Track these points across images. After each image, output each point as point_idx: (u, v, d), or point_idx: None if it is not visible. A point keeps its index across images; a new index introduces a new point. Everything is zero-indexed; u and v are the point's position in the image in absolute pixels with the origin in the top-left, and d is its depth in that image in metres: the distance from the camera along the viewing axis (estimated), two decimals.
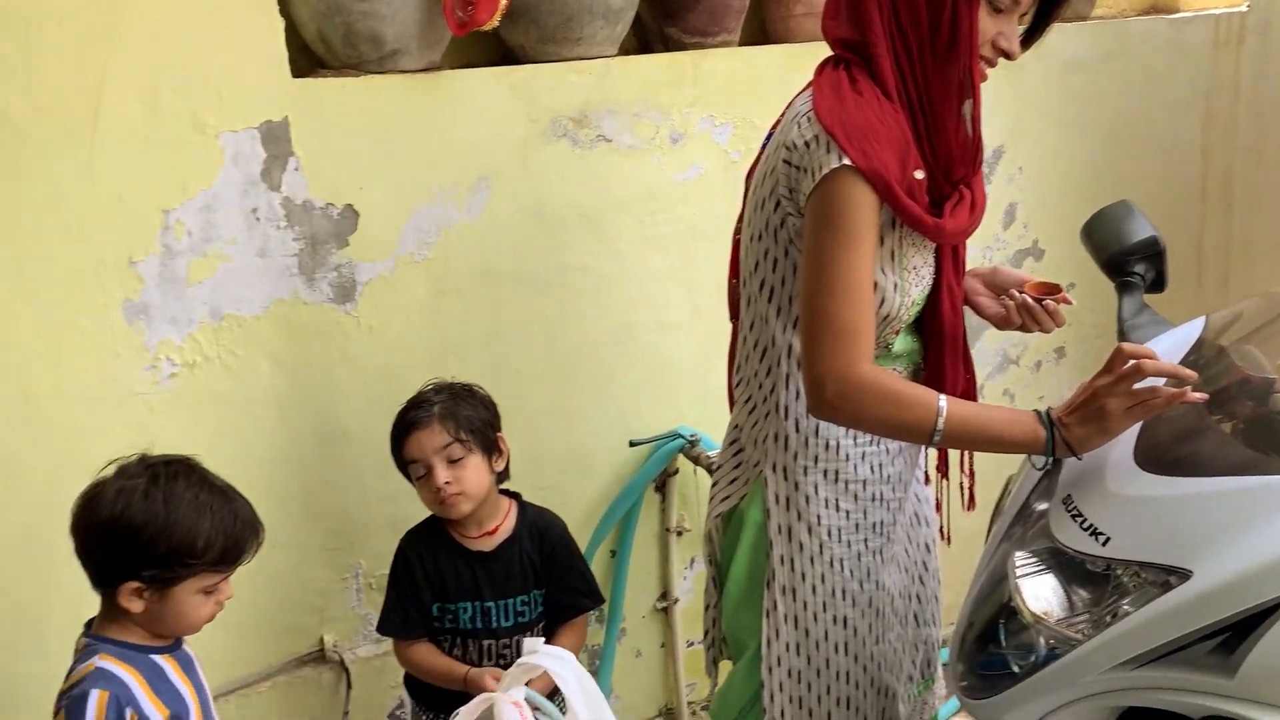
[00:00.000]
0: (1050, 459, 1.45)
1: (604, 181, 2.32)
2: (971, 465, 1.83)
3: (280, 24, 1.99)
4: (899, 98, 1.46)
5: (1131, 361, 1.36)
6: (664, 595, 2.58)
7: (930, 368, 1.64)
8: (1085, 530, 1.37)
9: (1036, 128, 2.83)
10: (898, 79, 1.46)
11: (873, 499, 1.65)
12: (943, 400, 1.45)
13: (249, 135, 1.97)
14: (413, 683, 1.99)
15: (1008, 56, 1.52)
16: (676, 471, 2.49)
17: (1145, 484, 1.36)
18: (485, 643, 1.92)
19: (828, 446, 1.62)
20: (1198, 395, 1.36)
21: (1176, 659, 1.28)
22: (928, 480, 1.84)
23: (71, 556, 1.84)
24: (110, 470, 1.47)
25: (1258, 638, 1.23)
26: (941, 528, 1.84)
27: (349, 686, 2.20)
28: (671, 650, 2.60)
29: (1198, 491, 1.32)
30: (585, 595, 1.99)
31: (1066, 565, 1.42)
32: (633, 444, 2.39)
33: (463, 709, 1.00)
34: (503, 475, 1.95)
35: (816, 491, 1.62)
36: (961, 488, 1.83)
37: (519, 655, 1.84)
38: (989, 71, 1.54)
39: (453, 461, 1.84)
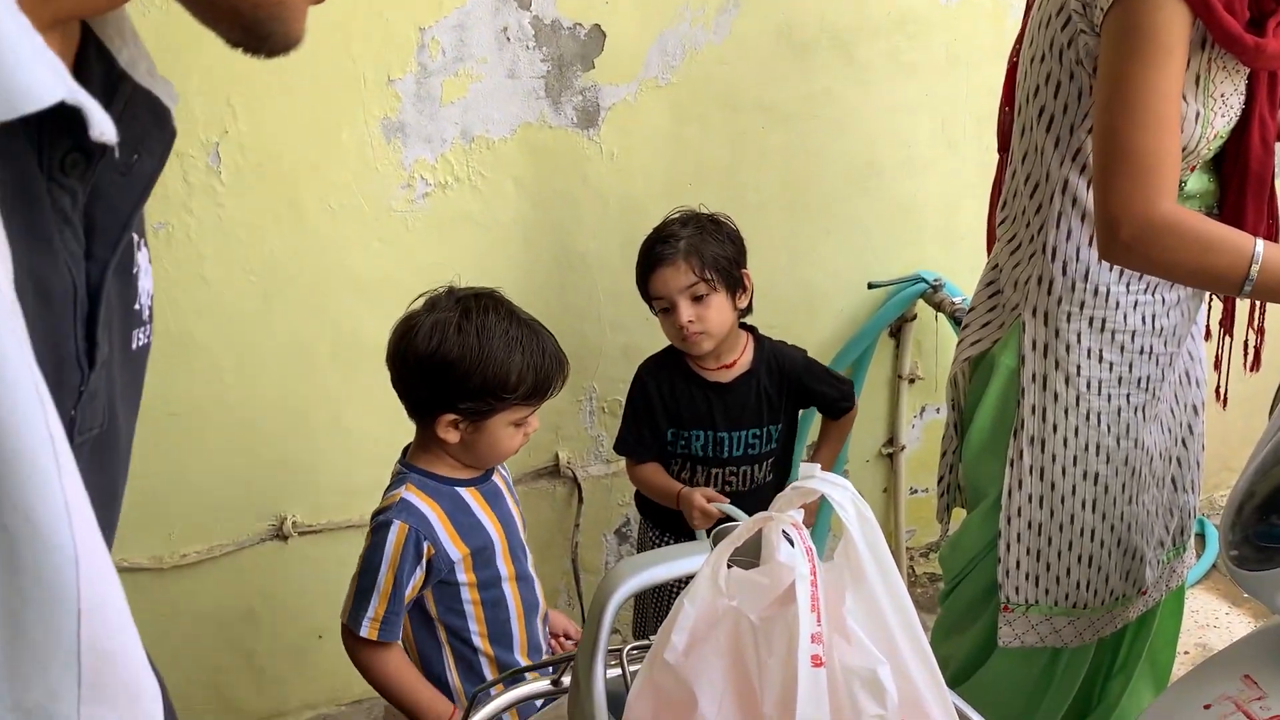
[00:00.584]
0: None
1: (859, 1, 2.17)
2: (1262, 321, 1.66)
3: None
4: None
5: None
6: (890, 441, 2.54)
7: (1227, 212, 1.47)
8: None
9: None
10: None
11: (1140, 352, 1.54)
12: (1259, 245, 1.28)
13: None
14: (643, 502, 2.04)
15: None
16: (914, 317, 2.41)
17: None
18: (714, 470, 1.95)
19: (1096, 292, 1.50)
20: None
21: None
22: (1208, 335, 1.68)
23: (331, 359, 2.05)
24: (419, 304, 1.49)
25: None
26: (1218, 388, 1.69)
27: (580, 501, 2.28)
28: (894, 496, 2.57)
29: None
30: (843, 398, 1.99)
31: None
32: (871, 286, 2.31)
33: (734, 529, 0.94)
34: (745, 311, 1.92)
35: (1079, 340, 1.52)
36: (1246, 345, 1.67)
37: (745, 484, 1.95)
38: None
39: (697, 299, 1.82)
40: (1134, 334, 1.53)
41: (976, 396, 1.64)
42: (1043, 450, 1.58)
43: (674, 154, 2.15)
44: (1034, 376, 1.55)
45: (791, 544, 0.89)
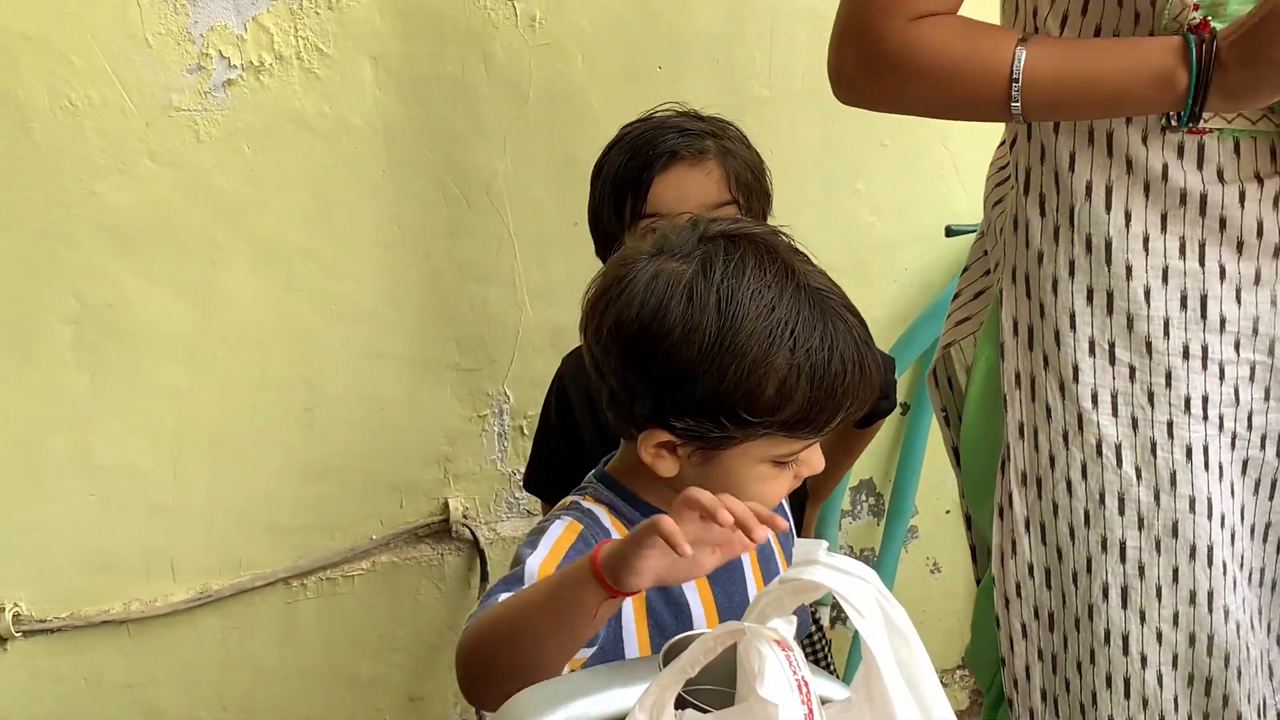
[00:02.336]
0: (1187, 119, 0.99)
1: None
2: None
3: None
4: None
5: None
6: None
7: None
8: None
9: None
10: None
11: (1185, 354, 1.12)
12: (1021, 54, 1.00)
13: None
14: None
15: None
16: None
17: None
18: None
19: (1089, 245, 1.06)
20: None
21: None
22: None
23: (73, 349, 1.49)
24: (647, 241, 1.03)
25: None
26: None
27: (484, 576, 1.64)
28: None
29: None
30: (879, 398, 1.41)
31: None
32: (950, 233, 1.65)
33: (688, 642, 0.70)
34: None
35: (1072, 324, 1.09)
36: None
37: None
38: None
39: None
40: (1167, 323, 1.07)
41: (960, 405, 1.26)
42: (1039, 495, 1.15)
43: (638, 20, 1.52)
44: (1017, 378, 1.14)
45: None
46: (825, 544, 0.70)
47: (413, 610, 1.61)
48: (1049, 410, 1.12)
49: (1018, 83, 0.99)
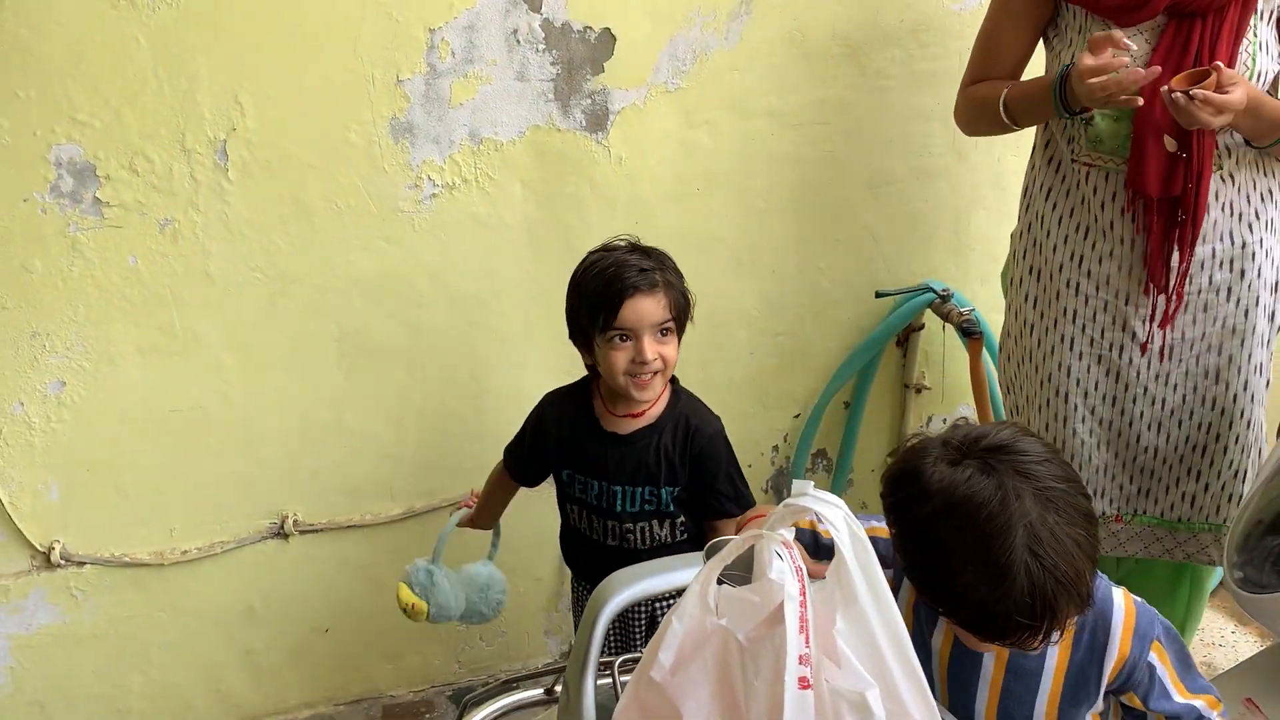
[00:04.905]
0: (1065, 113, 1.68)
1: (872, 9, 2.16)
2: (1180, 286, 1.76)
3: None
4: None
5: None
6: (894, 451, 2.52)
7: (1131, 159, 1.68)
8: None
9: None
10: None
11: (1067, 285, 1.82)
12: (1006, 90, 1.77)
13: None
14: (571, 556, 1.91)
15: None
16: (922, 327, 2.39)
17: None
18: (609, 522, 1.78)
19: (1028, 209, 1.88)
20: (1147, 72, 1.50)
21: None
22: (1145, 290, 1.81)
23: (335, 358, 2.05)
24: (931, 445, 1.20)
25: None
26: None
27: None
28: None
29: None
30: (731, 500, 1.76)
31: None
32: (879, 295, 2.30)
33: (726, 544, 0.90)
34: None
35: (1025, 261, 1.91)
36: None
37: (645, 542, 1.78)
38: None
39: (663, 334, 1.68)
40: (1061, 267, 1.81)
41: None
42: (1015, 340, 1.94)
43: (682, 159, 2.15)
44: (1012, 279, 1.94)
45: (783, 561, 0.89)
46: (813, 483, 0.88)
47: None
48: (1014, 304, 1.91)
49: (1004, 100, 1.77)
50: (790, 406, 2.41)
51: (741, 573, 0.94)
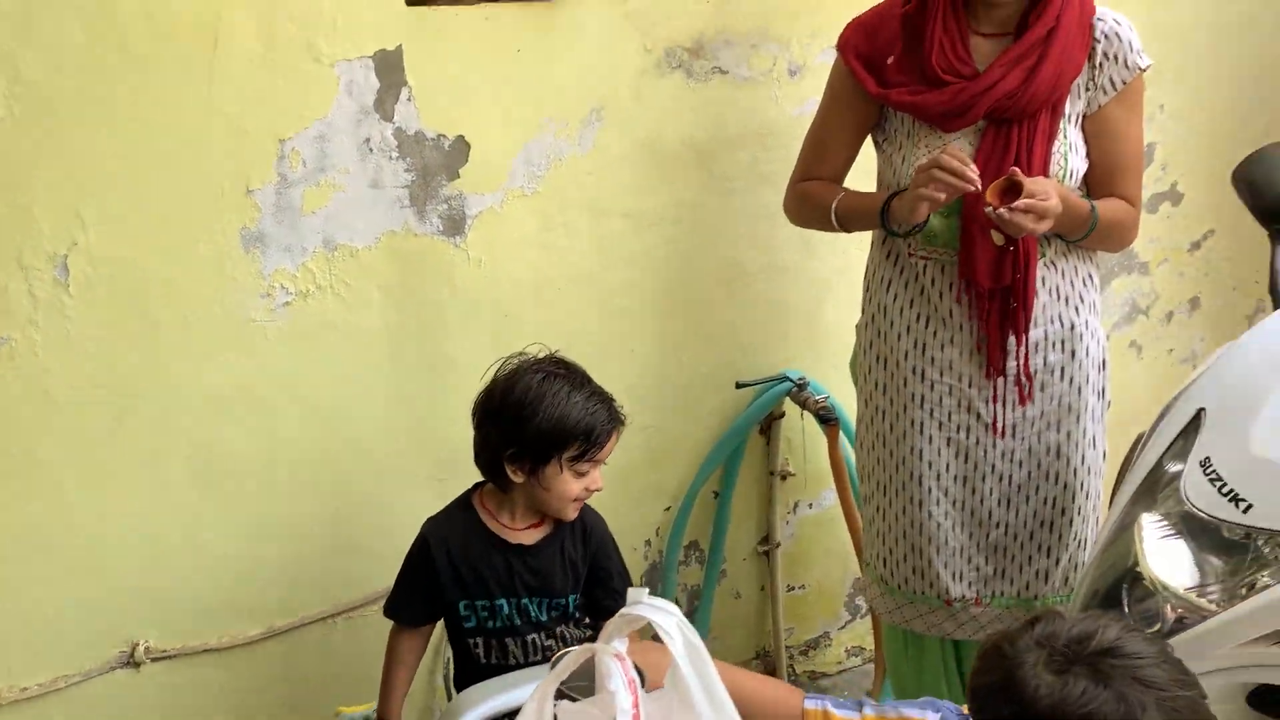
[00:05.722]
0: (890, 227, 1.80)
1: (718, 115, 2.26)
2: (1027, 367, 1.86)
3: None
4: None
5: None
6: (765, 539, 2.56)
7: (961, 253, 1.78)
8: (1224, 495, 1.29)
9: (1182, 62, 2.64)
10: None
11: (913, 372, 1.91)
12: (837, 199, 1.88)
13: (363, 64, 1.96)
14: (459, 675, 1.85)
15: None
16: (783, 415, 2.45)
17: None
18: (529, 637, 1.76)
19: (874, 316, 1.98)
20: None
21: None
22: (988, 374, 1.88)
23: (187, 475, 1.97)
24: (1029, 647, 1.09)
25: None
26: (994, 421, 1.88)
27: None
28: (771, 593, 2.58)
29: None
30: (624, 596, 1.78)
31: (1200, 532, 1.34)
32: (739, 385, 2.35)
33: (565, 656, 0.93)
34: None
35: (870, 352, 1.99)
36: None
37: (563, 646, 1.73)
38: None
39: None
40: (906, 354, 1.89)
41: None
42: (867, 426, 2.01)
43: (542, 259, 2.18)
44: (861, 369, 2.03)
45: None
46: (646, 590, 0.93)
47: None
48: (865, 393, 1.96)
49: (835, 208, 1.86)
50: (660, 499, 2.43)
51: (588, 683, 0.95)
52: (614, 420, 1.72)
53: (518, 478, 1.71)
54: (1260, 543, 1.28)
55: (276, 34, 1.89)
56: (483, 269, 2.13)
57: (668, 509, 2.44)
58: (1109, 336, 2.79)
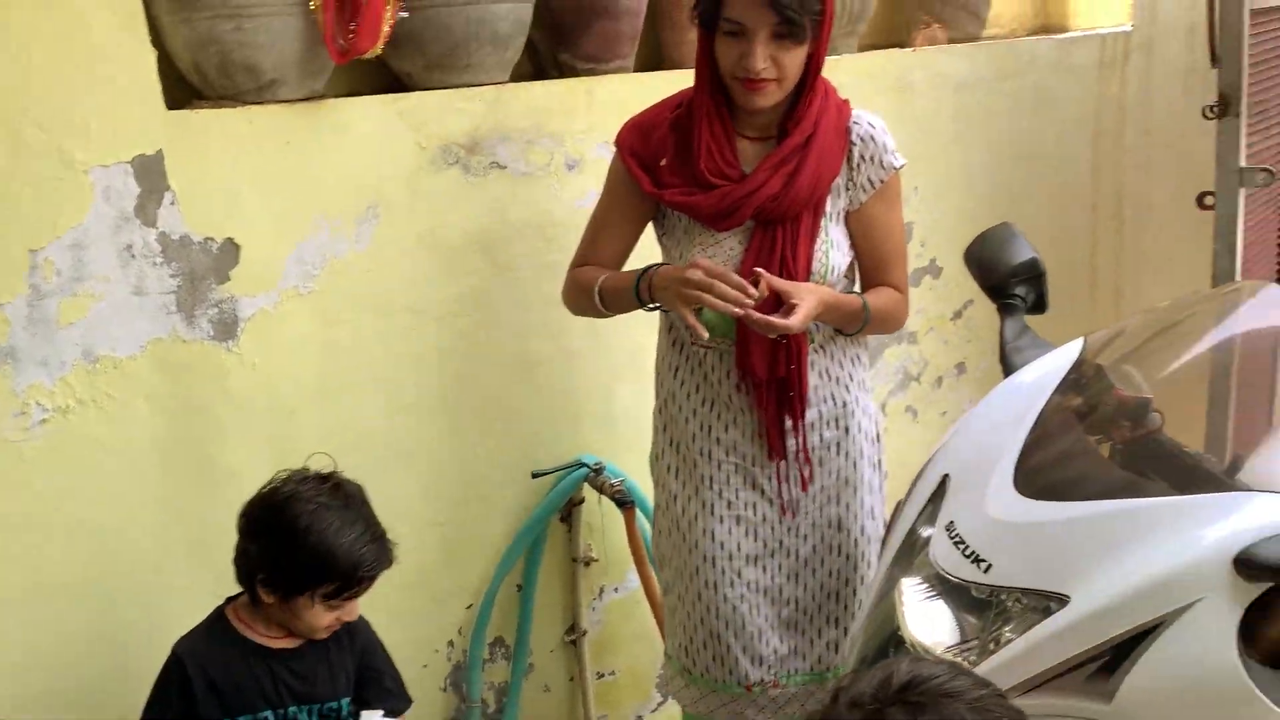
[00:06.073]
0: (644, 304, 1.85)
1: (499, 209, 2.29)
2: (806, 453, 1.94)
3: (152, 55, 1.92)
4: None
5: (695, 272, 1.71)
6: (572, 628, 2.54)
7: (739, 342, 1.85)
8: (968, 557, 1.37)
9: (931, 148, 2.87)
10: None
11: (701, 454, 1.97)
12: (600, 280, 1.90)
13: (121, 170, 1.90)
14: None
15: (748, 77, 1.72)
16: (582, 501, 2.46)
17: (1024, 509, 1.37)
18: None
19: (663, 384, 2.04)
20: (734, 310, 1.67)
21: (1058, 685, 1.29)
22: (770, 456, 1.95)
23: None
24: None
25: (1133, 662, 1.24)
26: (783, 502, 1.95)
27: None
28: (580, 683, 2.56)
29: (1074, 516, 1.33)
30: (399, 698, 1.79)
31: (952, 592, 1.42)
32: (535, 475, 2.35)
33: None
34: None
35: (664, 436, 2.06)
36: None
37: None
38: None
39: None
40: (694, 436, 1.95)
41: None
42: (657, 509, 2.06)
43: (323, 360, 2.14)
44: (655, 455, 2.06)
45: None
46: (380, 712, 0.97)
47: None
48: (659, 478, 2.00)
49: (598, 290, 1.88)
50: (461, 597, 2.39)
51: None
52: (380, 563, 1.66)
53: (268, 599, 1.67)
54: (1003, 599, 1.36)
55: (23, 142, 1.81)
56: (258, 373, 2.07)
57: (469, 607, 2.39)
58: (885, 405, 2.97)
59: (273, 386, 2.08)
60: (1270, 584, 1.23)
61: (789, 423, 1.89)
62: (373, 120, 2.13)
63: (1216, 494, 1.29)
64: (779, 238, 1.80)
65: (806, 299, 1.71)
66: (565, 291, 2.03)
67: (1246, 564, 1.21)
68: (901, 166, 1.89)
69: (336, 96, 2.15)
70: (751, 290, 1.65)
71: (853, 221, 1.87)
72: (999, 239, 1.79)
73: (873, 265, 1.91)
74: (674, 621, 2.04)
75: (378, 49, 2.03)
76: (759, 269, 1.72)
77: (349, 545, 1.60)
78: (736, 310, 1.66)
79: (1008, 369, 1.64)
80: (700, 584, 1.94)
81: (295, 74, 2.04)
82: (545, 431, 2.41)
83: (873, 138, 1.85)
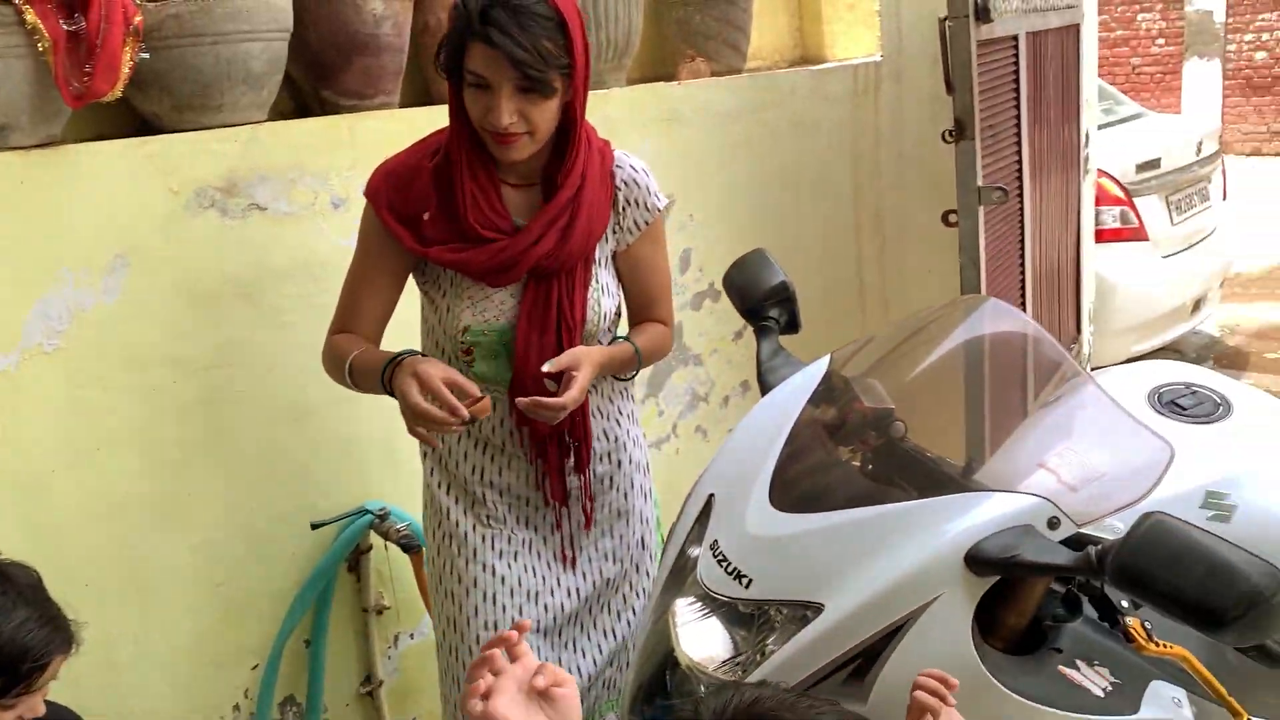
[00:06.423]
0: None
1: (261, 251, 2.21)
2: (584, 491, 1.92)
3: None
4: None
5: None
6: (367, 679, 2.47)
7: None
8: (730, 574, 1.42)
9: (701, 177, 2.97)
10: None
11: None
12: (354, 355, 1.79)
13: None
14: None
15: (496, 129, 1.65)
16: (369, 548, 2.40)
17: (779, 523, 1.42)
18: None
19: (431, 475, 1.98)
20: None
21: (820, 690, 1.34)
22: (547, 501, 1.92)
23: None
24: None
25: (883, 662, 1.31)
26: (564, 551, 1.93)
27: None
28: None
29: (824, 526, 1.39)
30: None
31: (720, 609, 1.46)
32: (314, 526, 2.28)
33: None
34: None
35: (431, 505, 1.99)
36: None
37: None
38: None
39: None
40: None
41: None
42: (431, 558, 1.99)
43: (74, 421, 2.01)
44: (428, 501, 1.96)
45: None
46: None
47: None
48: (431, 524, 1.93)
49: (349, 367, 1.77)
50: (245, 658, 2.28)
51: None
52: (54, 647, 1.45)
53: None
54: (768, 611, 1.41)
55: None
56: (2, 441, 1.92)
57: (255, 667, 2.29)
58: (676, 426, 3.04)
59: (17, 452, 1.94)
60: (998, 577, 1.33)
61: (569, 466, 1.88)
62: (118, 165, 2.02)
63: (950, 495, 1.38)
64: (554, 290, 1.77)
65: (583, 369, 1.71)
66: (323, 359, 1.90)
67: (975, 559, 1.30)
68: (666, 207, 1.91)
69: (79, 140, 2.04)
70: (463, 413, 1.60)
71: (620, 262, 1.88)
72: (752, 264, 1.86)
73: (641, 303, 1.93)
74: (449, 680, 1.94)
75: (117, 92, 1.93)
76: (545, 368, 1.71)
77: (10, 634, 1.42)
78: (459, 428, 1.63)
79: (764, 388, 1.70)
80: (479, 626, 1.88)
81: (28, 119, 1.92)
82: (326, 480, 2.34)
83: (636, 181, 1.84)
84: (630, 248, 1.87)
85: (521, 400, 1.71)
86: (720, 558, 1.44)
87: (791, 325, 1.84)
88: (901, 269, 3.53)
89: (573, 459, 1.88)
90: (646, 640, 1.53)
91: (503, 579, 1.89)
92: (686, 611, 1.49)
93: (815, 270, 3.33)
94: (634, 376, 1.95)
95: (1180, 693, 1.46)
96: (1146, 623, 1.37)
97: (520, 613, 1.89)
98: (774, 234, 3.01)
